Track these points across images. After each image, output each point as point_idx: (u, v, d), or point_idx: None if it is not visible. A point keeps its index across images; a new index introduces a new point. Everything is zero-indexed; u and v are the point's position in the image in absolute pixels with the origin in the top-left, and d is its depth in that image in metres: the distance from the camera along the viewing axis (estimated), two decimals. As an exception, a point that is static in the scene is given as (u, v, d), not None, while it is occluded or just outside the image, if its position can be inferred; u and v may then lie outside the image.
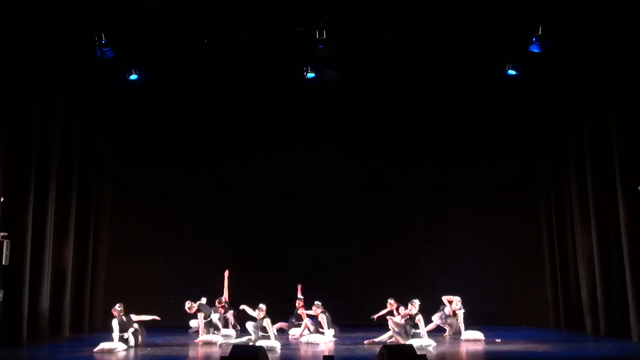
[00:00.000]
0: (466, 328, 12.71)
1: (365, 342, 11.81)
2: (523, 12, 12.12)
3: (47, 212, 12.56)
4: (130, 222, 15.65)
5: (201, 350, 11.44)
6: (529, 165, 16.02)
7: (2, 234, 10.92)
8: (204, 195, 15.91)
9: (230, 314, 13.82)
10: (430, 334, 12.26)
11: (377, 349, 9.11)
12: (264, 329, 11.59)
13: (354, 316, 14.35)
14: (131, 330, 11.48)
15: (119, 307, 11.52)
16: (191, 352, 11.27)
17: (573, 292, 14.14)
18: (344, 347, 11.55)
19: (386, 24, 12.73)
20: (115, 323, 11.26)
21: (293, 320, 13.65)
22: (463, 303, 12.96)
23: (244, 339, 11.94)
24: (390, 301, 12.82)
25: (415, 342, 10.62)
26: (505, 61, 13.86)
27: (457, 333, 12.88)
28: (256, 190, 16.00)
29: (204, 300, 13.25)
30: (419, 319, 11.70)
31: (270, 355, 9.44)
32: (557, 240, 14.87)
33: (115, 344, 11.03)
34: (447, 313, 13.02)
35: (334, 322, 12.93)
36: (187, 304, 12.60)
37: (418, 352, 8.44)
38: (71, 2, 11.64)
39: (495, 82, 14.67)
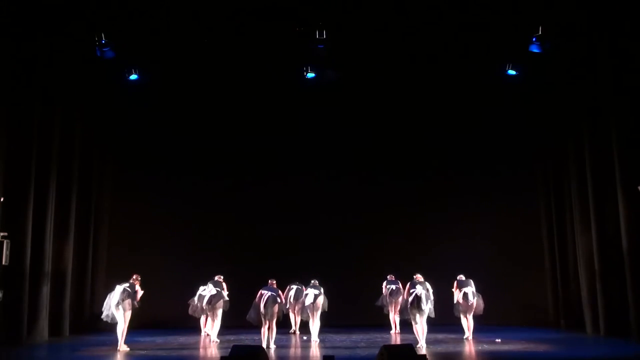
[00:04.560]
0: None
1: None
2: (523, 12, 12.14)
3: (47, 212, 12.56)
4: (130, 222, 15.64)
5: (201, 351, 11.45)
6: (529, 166, 16.02)
7: (2, 234, 10.92)
8: (204, 195, 15.91)
9: None
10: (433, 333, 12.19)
11: (378, 349, 9.11)
12: None
13: (353, 317, 14.36)
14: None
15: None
16: (191, 352, 11.27)
17: (573, 292, 14.14)
18: (344, 347, 11.55)
19: (386, 24, 12.74)
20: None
21: None
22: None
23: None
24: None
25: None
26: (505, 61, 13.87)
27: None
28: (255, 190, 16.00)
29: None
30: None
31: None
32: (557, 240, 14.88)
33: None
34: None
35: (334, 323, 12.93)
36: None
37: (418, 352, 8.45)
38: (71, 2, 11.65)
39: (495, 82, 14.68)
